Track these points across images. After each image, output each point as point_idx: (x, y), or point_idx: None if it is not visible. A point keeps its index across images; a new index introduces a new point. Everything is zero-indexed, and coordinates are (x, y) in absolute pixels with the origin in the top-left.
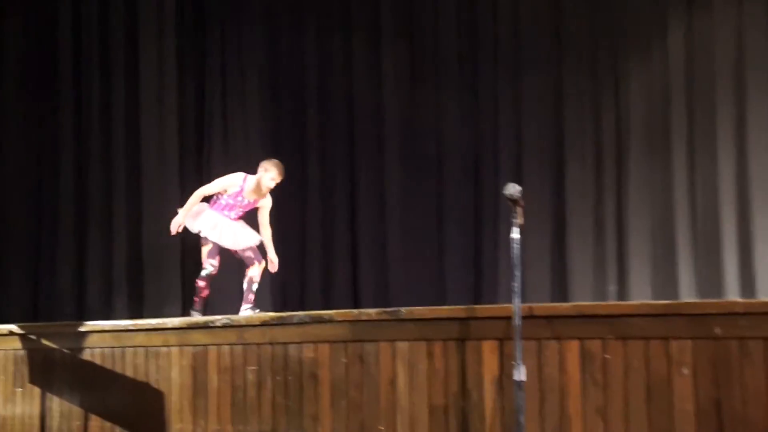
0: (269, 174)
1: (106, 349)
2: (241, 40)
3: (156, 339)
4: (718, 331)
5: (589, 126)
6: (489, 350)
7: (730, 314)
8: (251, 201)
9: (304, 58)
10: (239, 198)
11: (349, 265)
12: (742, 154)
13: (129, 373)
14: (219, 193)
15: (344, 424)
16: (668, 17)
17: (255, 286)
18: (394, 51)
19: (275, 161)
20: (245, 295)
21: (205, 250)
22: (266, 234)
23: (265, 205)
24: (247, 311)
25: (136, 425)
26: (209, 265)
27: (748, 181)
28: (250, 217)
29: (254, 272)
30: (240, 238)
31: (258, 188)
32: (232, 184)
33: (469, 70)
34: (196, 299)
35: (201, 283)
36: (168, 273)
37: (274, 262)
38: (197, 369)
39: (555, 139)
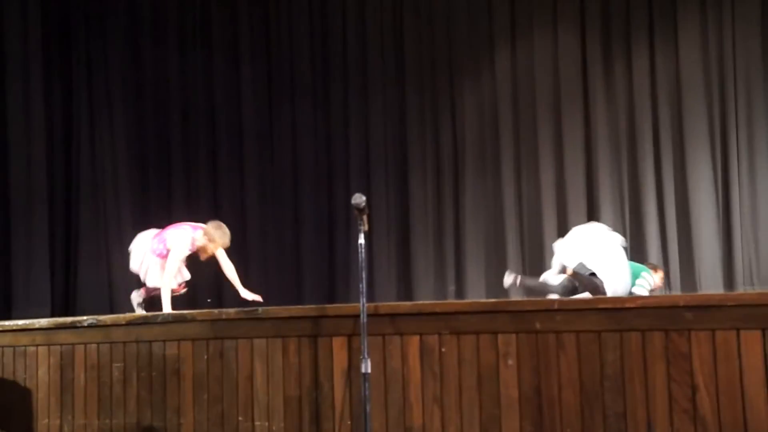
0: (214, 245)
1: None
2: (106, 57)
3: (23, 339)
4: (538, 326)
5: (429, 141)
6: (339, 346)
7: (548, 311)
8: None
9: (167, 73)
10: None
11: (213, 268)
12: (559, 165)
13: None
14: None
15: (205, 416)
16: (495, 46)
17: None
18: (253, 69)
19: (223, 231)
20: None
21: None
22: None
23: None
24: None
25: (3, 422)
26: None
27: (565, 189)
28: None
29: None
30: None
31: (203, 250)
32: (190, 243)
33: (321, 89)
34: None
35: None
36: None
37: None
38: (64, 367)
39: (399, 152)
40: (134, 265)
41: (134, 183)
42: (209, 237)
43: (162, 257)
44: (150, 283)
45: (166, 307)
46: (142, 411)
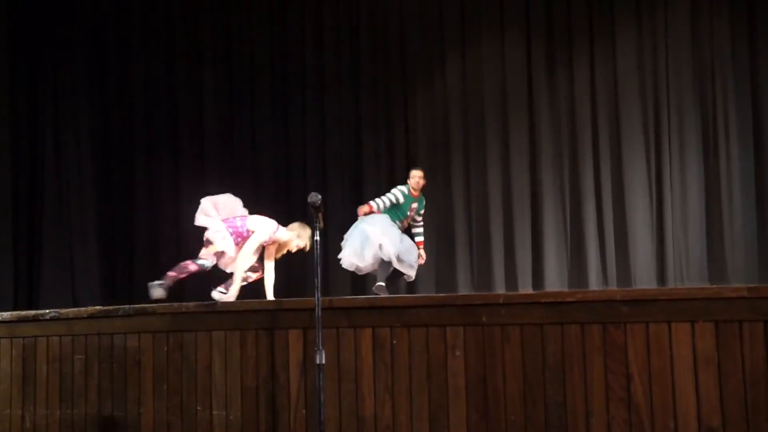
0: (298, 241)
1: None
2: (72, 65)
3: None
4: (484, 319)
5: (383, 143)
6: (294, 338)
7: (494, 305)
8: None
9: (131, 81)
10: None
11: (175, 263)
12: (505, 167)
13: None
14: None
15: (165, 406)
16: (446, 54)
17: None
18: (214, 75)
19: (307, 232)
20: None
21: (212, 248)
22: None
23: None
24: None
25: None
26: (210, 261)
27: (510, 189)
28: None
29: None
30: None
31: (284, 245)
32: (273, 232)
33: (280, 91)
34: (173, 275)
35: (192, 267)
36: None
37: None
38: (27, 359)
39: (354, 153)
40: (209, 224)
41: (98, 186)
42: (297, 233)
43: (239, 235)
44: (223, 248)
45: (236, 289)
46: (103, 401)
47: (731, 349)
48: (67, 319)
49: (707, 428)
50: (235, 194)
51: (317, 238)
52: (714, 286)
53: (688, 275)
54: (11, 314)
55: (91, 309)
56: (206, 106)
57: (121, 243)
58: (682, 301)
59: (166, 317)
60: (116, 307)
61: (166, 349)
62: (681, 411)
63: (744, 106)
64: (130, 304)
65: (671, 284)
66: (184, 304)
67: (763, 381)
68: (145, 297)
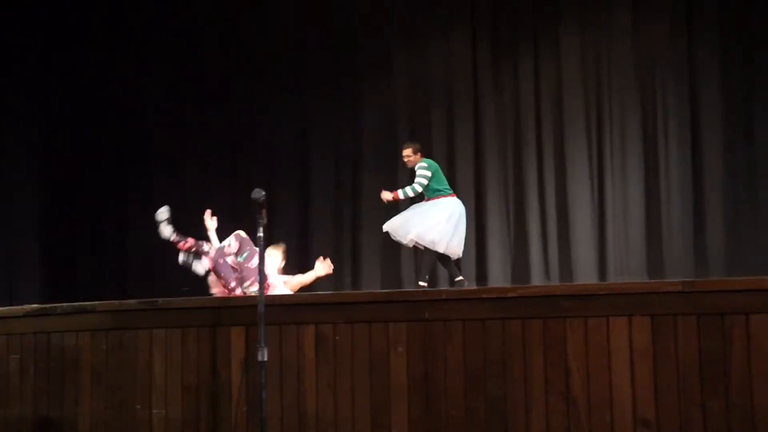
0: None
1: None
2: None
3: None
4: (427, 315)
5: (330, 138)
6: (237, 335)
7: (437, 300)
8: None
9: (73, 73)
10: None
11: (120, 259)
12: (450, 163)
13: None
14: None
15: (103, 405)
16: (393, 51)
17: None
18: (160, 67)
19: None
20: None
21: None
22: None
23: None
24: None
25: None
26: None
27: (455, 185)
28: None
29: None
30: None
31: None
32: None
33: (225, 86)
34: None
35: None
36: None
37: None
38: None
39: (301, 148)
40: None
41: (40, 183)
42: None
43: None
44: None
45: None
46: (38, 402)
47: (666, 343)
48: (3, 318)
49: (642, 420)
50: (183, 191)
51: (261, 234)
52: (651, 280)
53: (628, 270)
54: None
55: (27, 307)
56: (152, 102)
57: (63, 242)
58: (619, 295)
59: (105, 315)
60: (54, 305)
61: (105, 347)
62: (617, 404)
63: (682, 106)
64: (73, 301)
65: (611, 279)
66: (125, 301)
67: (695, 373)
68: (87, 297)
